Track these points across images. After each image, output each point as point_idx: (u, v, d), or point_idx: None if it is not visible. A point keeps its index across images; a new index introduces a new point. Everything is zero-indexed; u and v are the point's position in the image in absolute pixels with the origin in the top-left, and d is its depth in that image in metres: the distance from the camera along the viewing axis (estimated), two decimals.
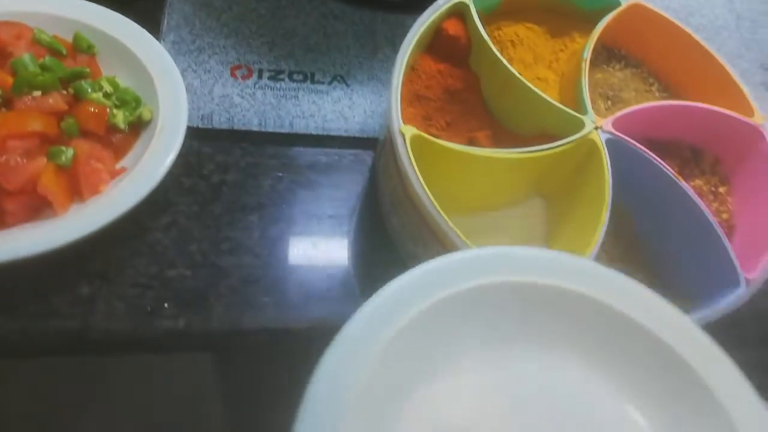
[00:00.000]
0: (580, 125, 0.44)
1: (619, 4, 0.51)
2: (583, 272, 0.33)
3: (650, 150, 0.44)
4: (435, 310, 0.30)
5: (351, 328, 0.29)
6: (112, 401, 0.54)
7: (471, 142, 0.47)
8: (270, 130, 0.50)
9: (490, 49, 0.46)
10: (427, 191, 0.38)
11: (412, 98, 0.47)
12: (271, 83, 0.52)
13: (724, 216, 0.49)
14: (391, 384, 0.29)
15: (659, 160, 0.44)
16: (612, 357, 0.32)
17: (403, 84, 0.44)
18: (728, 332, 0.34)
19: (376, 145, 0.51)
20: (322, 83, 0.53)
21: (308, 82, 0.53)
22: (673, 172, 0.43)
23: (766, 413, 0.30)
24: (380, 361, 0.28)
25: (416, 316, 0.30)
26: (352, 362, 0.28)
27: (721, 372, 0.31)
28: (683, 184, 0.43)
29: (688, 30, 0.52)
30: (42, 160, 0.40)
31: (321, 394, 0.27)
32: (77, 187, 0.41)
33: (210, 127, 0.48)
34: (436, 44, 0.48)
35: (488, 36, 0.47)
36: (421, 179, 0.38)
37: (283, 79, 0.52)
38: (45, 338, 0.39)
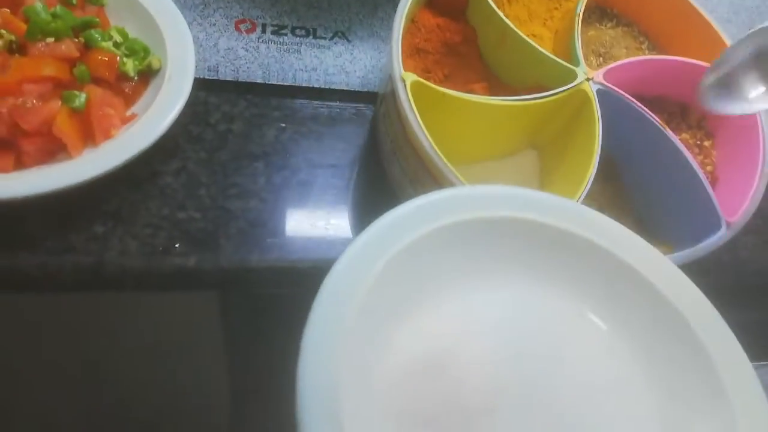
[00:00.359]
0: (573, 76, 0.46)
1: None
2: (561, 208, 0.36)
3: (639, 103, 0.46)
4: (422, 241, 0.33)
5: (346, 257, 0.31)
6: (116, 338, 0.56)
7: (468, 92, 0.49)
8: (273, 82, 0.51)
9: (487, 3, 0.48)
10: (427, 135, 0.40)
11: (412, 51, 0.49)
12: (275, 38, 0.53)
13: (709, 168, 0.51)
14: (384, 308, 0.31)
15: (648, 110, 0.46)
16: (577, 278, 0.35)
17: (403, 37, 0.46)
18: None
19: (376, 99, 0.52)
20: (324, 38, 0.55)
21: (310, 37, 0.54)
22: (660, 121, 0.46)
23: (722, 322, 0.33)
24: (373, 287, 0.30)
25: (405, 247, 0.32)
26: (348, 289, 0.30)
27: (681, 287, 0.34)
28: (669, 133, 0.45)
29: None
30: (57, 103, 0.41)
31: (321, 317, 0.29)
32: (90, 131, 0.42)
33: (216, 78, 0.50)
34: None
35: None
36: (421, 123, 0.40)
37: (285, 34, 0.54)
38: (62, 273, 0.41)
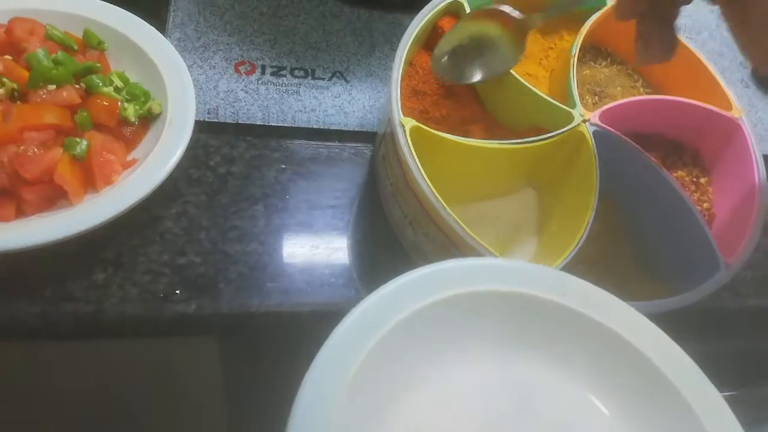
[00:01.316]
0: (569, 118, 0.46)
1: (605, 4, 0.54)
2: (552, 280, 0.36)
3: (635, 143, 0.47)
4: (413, 319, 0.33)
5: (333, 341, 0.31)
6: (114, 383, 0.55)
7: (465, 135, 0.49)
8: (273, 123, 0.52)
9: None
10: (427, 179, 0.40)
11: (410, 93, 0.49)
12: (274, 79, 0.54)
13: (705, 205, 0.51)
14: (371, 389, 0.31)
15: (643, 150, 0.46)
16: (577, 356, 0.35)
17: (402, 79, 0.46)
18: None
19: (374, 139, 0.53)
20: (323, 79, 0.55)
21: (309, 78, 0.55)
22: (656, 161, 0.46)
23: (720, 399, 0.33)
24: (361, 369, 0.30)
25: (396, 325, 0.32)
26: (339, 367, 0.30)
27: (677, 363, 0.34)
28: (666, 173, 0.46)
29: None
30: (58, 151, 0.41)
31: (314, 390, 0.29)
32: (91, 177, 0.42)
33: (216, 120, 0.50)
34: (433, 41, 0.50)
35: None
36: (420, 168, 0.41)
37: (285, 75, 0.54)
38: (62, 321, 0.41)
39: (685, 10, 0.63)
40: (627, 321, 0.35)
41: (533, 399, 0.34)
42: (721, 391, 0.34)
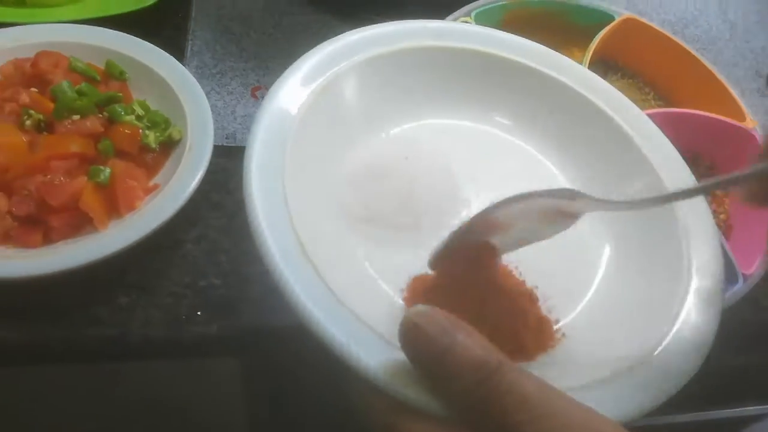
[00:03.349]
0: None
1: (613, 18, 0.54)
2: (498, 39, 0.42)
3: None
4: (358, 68, 0.38)
5: (289, 75, 0.37)
6: (135, 405, 0.56)
7: None
8: None
9: None
10: None
11: None
12: None
13: (722, 217, 0.51)
14: (331, 123, 0.37)
15: None
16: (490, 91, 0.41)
17: None
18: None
19: None
20: None
21: None
22: None
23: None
24: (324, 93, 0.36)
25: (344, 70, 0.38)
26: (295, 101, 0.35)
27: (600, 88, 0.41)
28: None
29: (679, 41, 0.55)
30: (83, 179, 0.43)
31: (270, 119, 0.34)
32: (115, 203, 0.44)
33: (234, 145, 0.52)
34: None
35: None
36: None
37: None
38: (86, 345, 0.42)
39: (698, 21, 0.63)
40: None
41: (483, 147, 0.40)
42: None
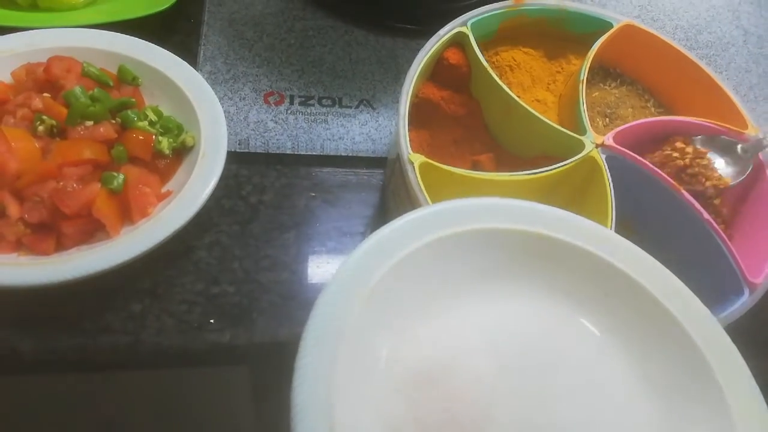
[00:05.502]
0: (580, 146, 0.46)
1: (612, 25, 0.53)
2: (553, 218, 0.37)
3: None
4: (420, 253, 0.34)
5: (346, 267, 0.32)
6: (148, 413, 0.56)
7: (474, 165, 0.49)
8: (302, 152, 0.52)
9: (490, 75, 0.48)
10: None
11: (418, 125, 0.49)
12: (302, 108, 0.55)
13: (721, 226, 0.50)
14: (381, 318, 0.32)
15: (659, 171, 0.45)
16: (572, 287, 0.36)
17: (409, 112, 0.46)
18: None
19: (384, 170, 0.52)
20: (350, 107, 0.56)
21: (336, 106, 0.56)
22: (673, 183, 0.45)
23: (717, 324, 0.34)
24: (371, 296, 0.32)
25: (403, 258, 0.33)
26: (347, 298, 0.31)
27: (681, 301, 0.36)
28: (685, 194, 0.45)
29: (678, 47, 0.54)
30: (96, 186, 0.42)
31: (320, 324, 0.30)
32: (128, 210, 0.43)
33: (247, 151, 0.51)
34: (438, 73, 0.50)
35: (487, 62, 0.49)
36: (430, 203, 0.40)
37: (313, 104, 0.55)
38: (100, 353, 0.41)
39: (710, 27, 0.63)
40: (612, 247, 0.37)
41: (527, 329, 0.35)
42: None
